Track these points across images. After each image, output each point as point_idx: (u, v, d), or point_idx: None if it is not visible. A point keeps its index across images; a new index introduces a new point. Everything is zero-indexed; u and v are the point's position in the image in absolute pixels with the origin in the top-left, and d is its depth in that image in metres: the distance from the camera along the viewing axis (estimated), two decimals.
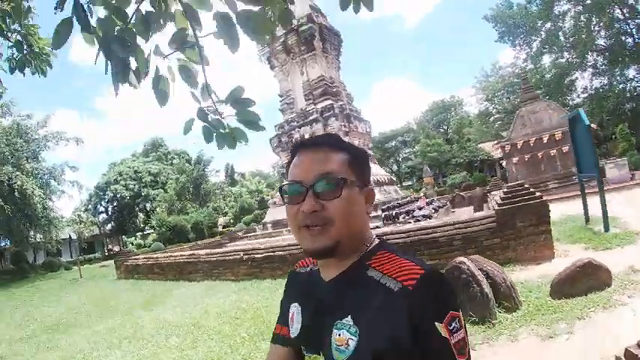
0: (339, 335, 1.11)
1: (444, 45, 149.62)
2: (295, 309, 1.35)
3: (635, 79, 35.50)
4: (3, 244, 35.66)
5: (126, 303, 13.07)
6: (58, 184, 34.81)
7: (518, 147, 23.46)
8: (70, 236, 44.81)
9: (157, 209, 44.24)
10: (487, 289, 5.54)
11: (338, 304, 1.16)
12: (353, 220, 1.16)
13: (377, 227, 12.48)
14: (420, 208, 15.74)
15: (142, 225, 54.42)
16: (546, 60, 38.99)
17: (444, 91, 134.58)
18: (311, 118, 19.74)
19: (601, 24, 33.32)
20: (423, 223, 10.87)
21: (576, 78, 38.73)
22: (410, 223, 12.76)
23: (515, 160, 23.92)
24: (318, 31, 20.52)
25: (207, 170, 53.84)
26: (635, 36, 33.22)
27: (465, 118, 58.67)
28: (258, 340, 6.92)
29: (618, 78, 35.27)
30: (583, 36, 33.03)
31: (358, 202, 1.19)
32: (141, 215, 55.47)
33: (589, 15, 33.12)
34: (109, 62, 2.25)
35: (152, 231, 44.82)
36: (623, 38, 33.62)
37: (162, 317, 10.08)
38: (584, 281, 5.85)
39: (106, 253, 48.24)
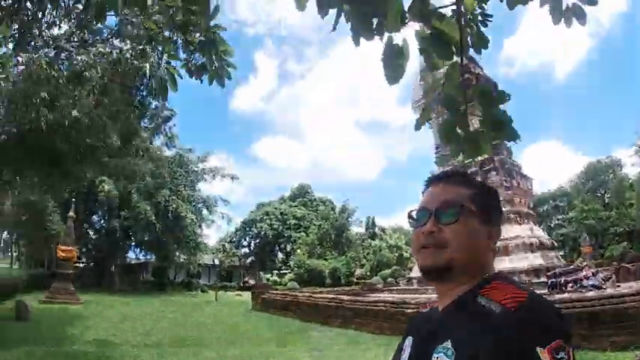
0: (436, 358, 1.05)
1: (597, 97, 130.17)
2: (408, 342, 1.29)
3: None
4: (148, 257, 38.67)
5: (257, 335, 12.55)
6: (210, 214, 37.21)
7: None
8: (213, 261, 47.42)
9: (298, 251, 45.25)
10: None
11: (443, 331, 1.11)
12: (468, 248, 1.15)
13: (543, 295, 10.81)
14: (587, 278, 14.19)
15: (279, 264, 55.98)
16: None
17: (597, 152, 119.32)
18: (469, 171, 18.40)
19: None
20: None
21: None
22: (581, 292, 11.77)
23: None
24: (475, 81, 19.46)
25: (350, 220, 54.12)
26: None
27: (626, 180, 49.97)
28: None
29: None
30: None
31: (478, 234, 1.18)
32: (280, 255, 57.28)
33: None
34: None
35: (289, 271, 45.76)
36: None
37: (293, 358, 9.29)
38: None
39: (242, 284, 50.31)
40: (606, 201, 51.57)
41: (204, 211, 36.79)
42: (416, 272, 18.24)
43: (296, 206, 61.11)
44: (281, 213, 57.34)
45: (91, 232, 36.42)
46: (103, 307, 18.94)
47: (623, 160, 52.49)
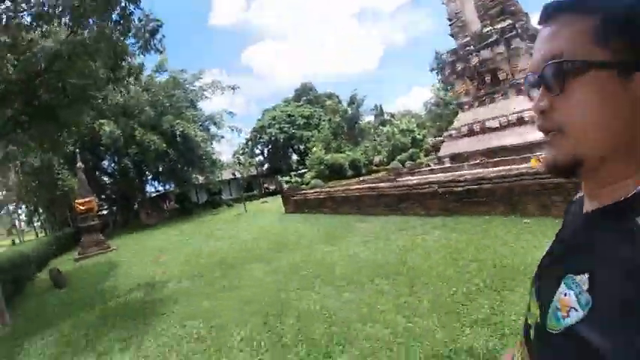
0: (565, 295, 0.71)
1: None
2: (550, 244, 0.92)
3: None
4: (168, 187, 38.72)
5: (302, 238, 12.13)
6: (219, 129, 36.53)
7: None
8: (234, 175, 47.81)
9: (314, 149, 44.84)
10: None
11: (580, 250, 0.76)
12: (602, 127, 0.70)
13: None
14: None
15: (294, 165, 56.10)
16: None
17: None
18: (490, 40, 17.39)
19: None
20: None
21: None
22: None
23: None
24: None
25: (360, 110, 53.56)
26: None
27: None
28: (500, 289, 5.26)
29: None
30: None
31: (613, 99, 0.69)
32: (294, 156, 57.46)
33: None
34: None
35: (306, 170, 45.82)
36: None
37: (352, 254, 8.84)
38: None
39: (263, 192, 51.15)
40: None
41: (213, 128, 36.18)
42: (448, 150, 17.83)
43: (302, 106, 60.08)
44: (288, 115, 56.41)
45: (105, 178, 36.32)
46: (137, 247, 18.91)
47: None
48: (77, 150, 23.27)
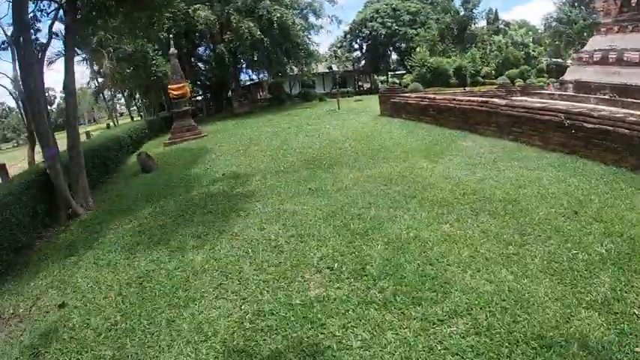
0: None
1: None
2: None
3: None
4: (261, 76, 38.11)
5: (398, 147, 11.04)
6: (318, 18, 34.46)
7: None
8: (330, 68, 46.18)
9: (417, 49, 41.47)
10: None
11: None
12: None
13: None
14: None
15: (394, 65, 52.94)
16: None
17: None
18: None
19: None
20: None
21: None
22: None
23: None
24: None
25: (475, 12, 48.21)
26: None
27: None
28: (625, 267, 4.14)
29: None
30: None
31: None
32: (394, 56, 53.91)
33: None
34: None
35: (404, 71, 43.34)
36: None
37: (455, 177, 7.74)
38: None
39: (357, 89, 49.44)
40: None
41: (311, 18, 34.09)
42: (573, 76, 15.51)
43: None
44: (393, 9, 51.01)
45: (200, 65, 35.90)
46: (226, 135, 18.68)
47: None
48: (171, 36, 23.02)
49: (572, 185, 6.73)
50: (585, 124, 8.56)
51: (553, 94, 15.56)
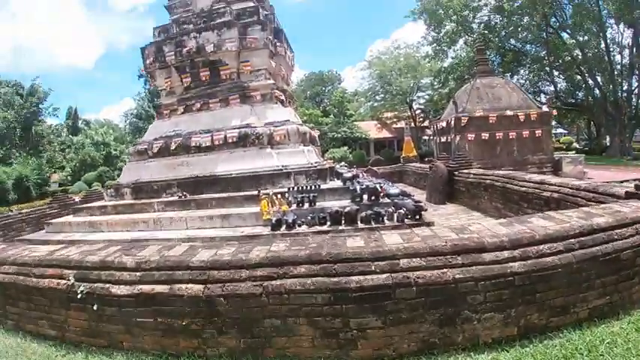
0: None
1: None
2: None
3: None
4: None
5: None
6: None
7: (476, 122, 19.18)
8: None
9: None
10: None
11: None
12: None
13: None
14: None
15: None
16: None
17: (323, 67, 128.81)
18: (220, 20, 12.02)
19: None
20: None
21: None
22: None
23: (471, 136, 19.05)
24: None
25: (42, 107, 41.21)
26: None
27: (347, 93, 53.55)
28: None
29: None
30: None
31: None
32: None
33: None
34: None
35: None
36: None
37: None
38: None
39: None
40: (326, 109, 53.15)
41: None
42: (131, 176, 11.68)
43: None
44: None
45: None
46: None
47: (344, 76, 55.58)
48: None
49: None
50: (114, 290, 3.57)
51: (105, 206, 10.69)
